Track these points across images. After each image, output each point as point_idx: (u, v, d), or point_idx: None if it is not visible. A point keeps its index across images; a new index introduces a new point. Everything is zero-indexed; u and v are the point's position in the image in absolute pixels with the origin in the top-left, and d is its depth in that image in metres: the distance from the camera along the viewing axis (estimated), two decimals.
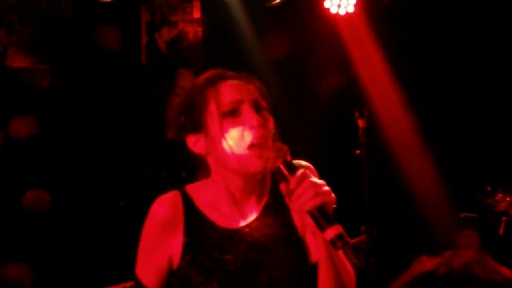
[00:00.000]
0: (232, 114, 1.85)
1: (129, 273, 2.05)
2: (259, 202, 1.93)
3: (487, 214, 4.30)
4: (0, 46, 5.07)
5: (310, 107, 5.15)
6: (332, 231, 1.62)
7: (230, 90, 1.88)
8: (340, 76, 5.38)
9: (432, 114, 5.16)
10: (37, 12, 5.12)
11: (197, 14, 5.49)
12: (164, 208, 1.92)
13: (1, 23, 5.05)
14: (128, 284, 3.89)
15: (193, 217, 1.91)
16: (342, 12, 5.15)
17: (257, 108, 1.86)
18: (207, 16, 5.48)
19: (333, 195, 1.69)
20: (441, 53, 5.21)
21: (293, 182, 1.68)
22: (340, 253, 1.75)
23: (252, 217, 1.92)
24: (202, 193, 1.95)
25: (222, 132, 1.84)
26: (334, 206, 1.69)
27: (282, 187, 1.72)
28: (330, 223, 1.63)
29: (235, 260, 1.87)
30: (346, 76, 5.37)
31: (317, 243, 1.79)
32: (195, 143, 1.90)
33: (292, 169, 1.71)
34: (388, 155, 5.18)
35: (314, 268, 1.85)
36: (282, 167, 1.71)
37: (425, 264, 1.10)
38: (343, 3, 5.12)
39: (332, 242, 1.63)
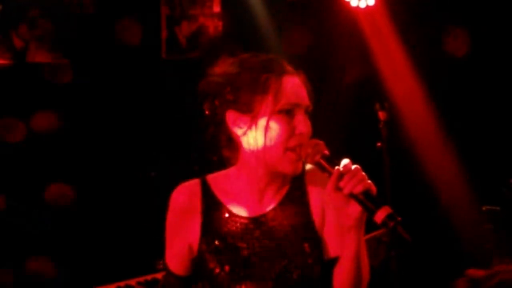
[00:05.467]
0: (286, 114, 1.85)
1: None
2: (278, 193, 1.95)
3: (510, 207, 4.27)
4: (22, 41, 5.11)
5: (331, 100, 5.14)
6: (382, 213, 1.67)
7: (292, 89, 1.87)
8: (360, 69, 5.36)
9: (454, 106, 5.12)
10: (59, 7, 5.14)
11: (217, 8, 5.49)
12: (183, 196, 1.97)
13: (23, 19, 5.08)
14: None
15: (210, 205, 1.95)
16: (362, 5, 5.13)
17: (306, 114, 1.88)
18: (227, 10, 5.48)
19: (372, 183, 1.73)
20: (463, 45, 5.16)
21: (344, 168, 1.73)
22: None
23: (270, 206, 1.94)
24: (222, 182, 1.97)
25: (270, 126, 1.84)
26: (375, 191, 1.73)
27: (333, 174, 1.74)
28: (379, 205, 1.68)
29: (249, 247, 1.89)
30: (366, 69, 5.34)
31: (345, 241, 1.81)
32: (235, 121, 1.88)
33: (332, 161, 1.77)
34: (409, 147, 5.16)
35: (328, 263, 1.88)
36: (321, 161, 1.78)
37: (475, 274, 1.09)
38: None
39: (384, 223, 1.67)
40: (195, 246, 1.93)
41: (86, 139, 5.07)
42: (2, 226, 4.69)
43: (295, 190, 1.95)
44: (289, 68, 1.92)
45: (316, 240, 1.89)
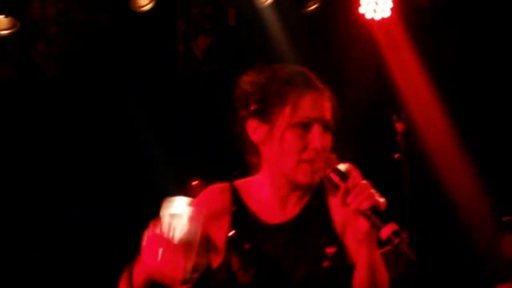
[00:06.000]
0: (302, 127, 1.87)
1: None
2: (300, 201, 1.97)
3: None
4: (40, 58, 5.16)
5: (347, 112, 5.14)
6: (388, 229, 1.68)
7: (310, 103, 1.88)
8: (376, 81, 5.36)
9: (470, 118, 5.10)
10: (75, 23, 5.19)
11: (232, 21, 5.52)
12: (213, 197, 1.99)
13: (41, 36, 5.14)
14: None
15: (239, 209, 1.97)
16: (377, 17, 5.13)
17: (325, 129, 1.89)
18: (242, 23, 5.50)
19: (381, 199, 1.74)
20: (479, 56, 5.15)
21: (350, 183, 1.73)
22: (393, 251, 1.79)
23: (293, 213, 1.96)
24: (249, 188, 2.00)
25: (285, 138, 1.87)
26: (384, 208, 1.73)
27: (338, 191, 1.76)
28: (385, 221, 1.69)
29: (273, 253, 1.91)
30: (383, 81, 5.34)
31: (359, 249, 1.82)
32: (255, 130, 1.92)
33: (342, 175, 1.77)
34: (426, 158, 5.14)
35: (349, 269, 1.88)
36: (332, 175, 1.78)
37: None
38: (378, 8, 5.09)
39: (389, 240, 1.68)
40: (221, 247, 1.94)
41: (108, 153, 5.11)
42: None
43: (316, 199, 1.97)
44: (315, 82, 1.93)
45: (337, 247, 1.91)
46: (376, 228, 1.70)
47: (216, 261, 1.95)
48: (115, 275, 1.84)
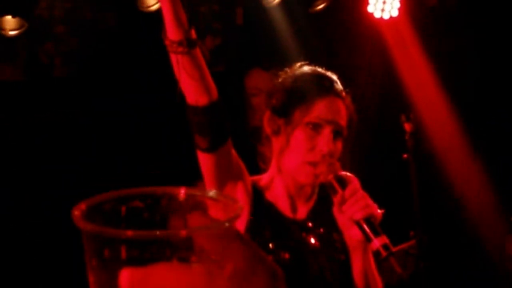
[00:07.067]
0: (313, 128, 1.90)
1: None
2: (309, 201, 2.02)
3: None
4: (48, 58, 5.17)
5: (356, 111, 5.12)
6: (378, 242, 1.73)
7: (325, 106, 1.93)
8: (384, 81, 5.34)
9: (479, 118, 5.08)
10: (83, 23, 5.20)
11: (239, 21, 5.52)
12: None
13: (49, 36, 5.15)
14: None
15: (258, 200, 2.00)
16: (386, 16, 5.11)
17: (335, 135, 1.91)
18: (249, 22, 5.50)
19: (379, 210, 1.79)
20: (488, 55, 5.13)
21: (347, 192, 1.79)
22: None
23: (302, 214, 2.00)
24: (265, 183, 2.03)
25: (294, 135, 1.91)
26: (379, 219, 1.79)
27: (335, 198, 1.82)
28: (377, 234, 1.74)
29: (291, 244, 1.94)
30: (391, 80, 5.32)
31: (353, 256, 1.90)
32: (269, 121, 1.98)
33: (343, 182, 1.82)
34: (435, 159, 5.12)
35: None
36: (333, 181, 1.83)
37: None
38: (386, 7, 5.07)
39: (378, 252, 1.74)
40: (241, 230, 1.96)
41: (117, 152, 5.12)
42: None
43: (324, 199, 1.99)
44: (335, 87, 1.98)
45: (345, 247, 1.94)
46: (367, 239, 1.75)
47: None
48: None
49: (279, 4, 5.06)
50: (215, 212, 0.81)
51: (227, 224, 0.76)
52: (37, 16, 4.94)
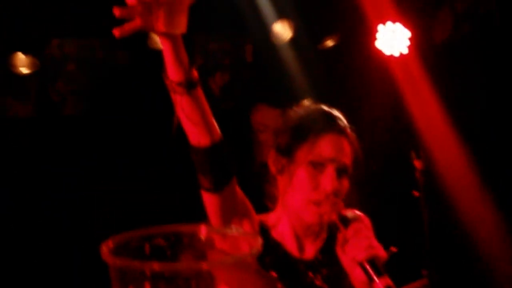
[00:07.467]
0: (315, 167, 1.88)
1: None
2: (317, 241, 1.99)
3: None
4: (59, 96, 5.20)
5: (364, 149, 5.11)
6: (381, 284, 1.70)
7: (328, 144, 1.90)
8: (394, 118, 5.34)
9: (490, 154, 5.06)
10: (94, 61, 5.24)
11: (249, 57, 5.55)
12: None
13: (60, 74, 5.19)
14: None
15: (265, 239, 1.94)
16: (395, 53, 5.13)
17: (340, 173, 1.89)
18: (258, 59, 5.53)
19: (383, 251, 1.76)
20: (498, 92, 5.12)
21: (349, 233, 1.76)
22: None
23: (310, 254, 1.98)
24: (272, 222, 2.01)
25: (297, 174, 1.89)
26: (384, 260, 1.76)
27: (339, 237, 1.79)
28: (379, 274, 1.71)
29: (299, 283, 1.92)
30: (400, 117, 5.31)
31: None
32: (273, 161, 1.97)
33: (346, 222, 1.80)
34: (446, 196, 5.08)
35: None
36: (336, 221, 1.81)
37: None
38: (395, 44, 5.09)
39: None
40: None
41: (129, 187, 5.12)
42: None
43: (333, 238, 1.96)
44: (340, 124, 1.95)
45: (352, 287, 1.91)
46: (370, 280, 1.72)
47: None
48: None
49: (289, 41, 5.09)
50: (232, 247, 0.81)
51: (249, 258, 0.78)
52: (48, 54, 4.98)
